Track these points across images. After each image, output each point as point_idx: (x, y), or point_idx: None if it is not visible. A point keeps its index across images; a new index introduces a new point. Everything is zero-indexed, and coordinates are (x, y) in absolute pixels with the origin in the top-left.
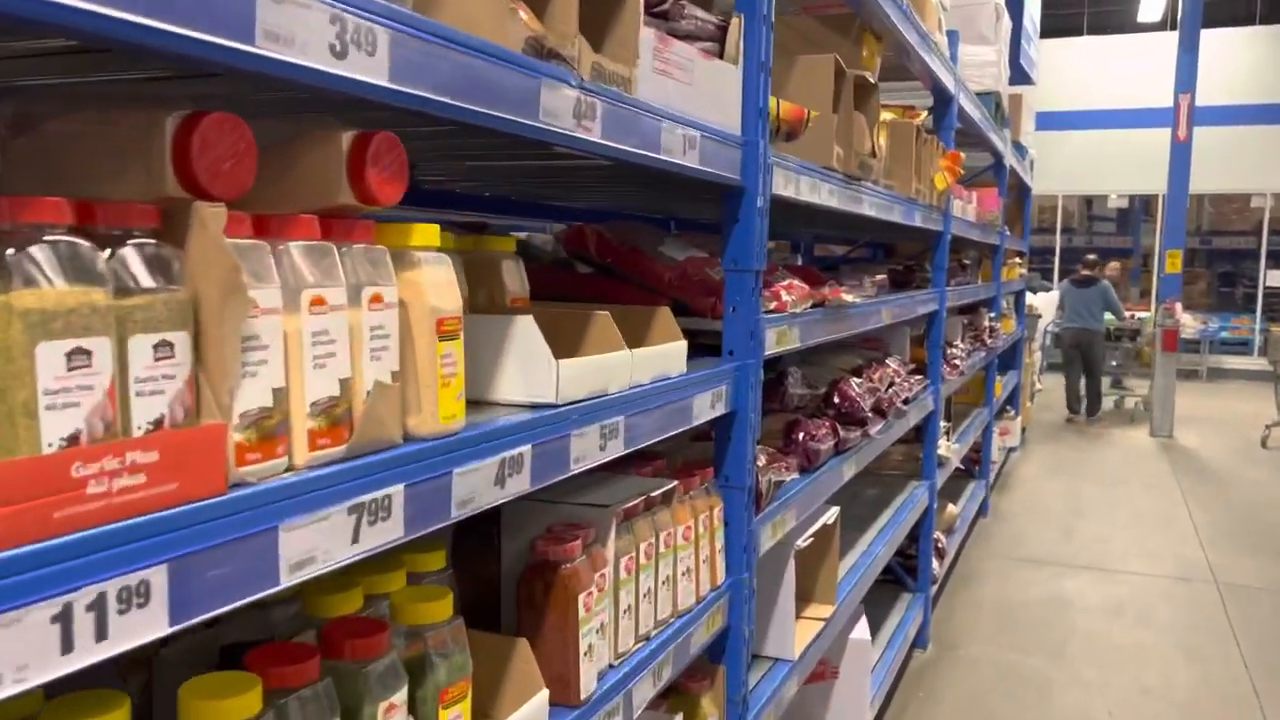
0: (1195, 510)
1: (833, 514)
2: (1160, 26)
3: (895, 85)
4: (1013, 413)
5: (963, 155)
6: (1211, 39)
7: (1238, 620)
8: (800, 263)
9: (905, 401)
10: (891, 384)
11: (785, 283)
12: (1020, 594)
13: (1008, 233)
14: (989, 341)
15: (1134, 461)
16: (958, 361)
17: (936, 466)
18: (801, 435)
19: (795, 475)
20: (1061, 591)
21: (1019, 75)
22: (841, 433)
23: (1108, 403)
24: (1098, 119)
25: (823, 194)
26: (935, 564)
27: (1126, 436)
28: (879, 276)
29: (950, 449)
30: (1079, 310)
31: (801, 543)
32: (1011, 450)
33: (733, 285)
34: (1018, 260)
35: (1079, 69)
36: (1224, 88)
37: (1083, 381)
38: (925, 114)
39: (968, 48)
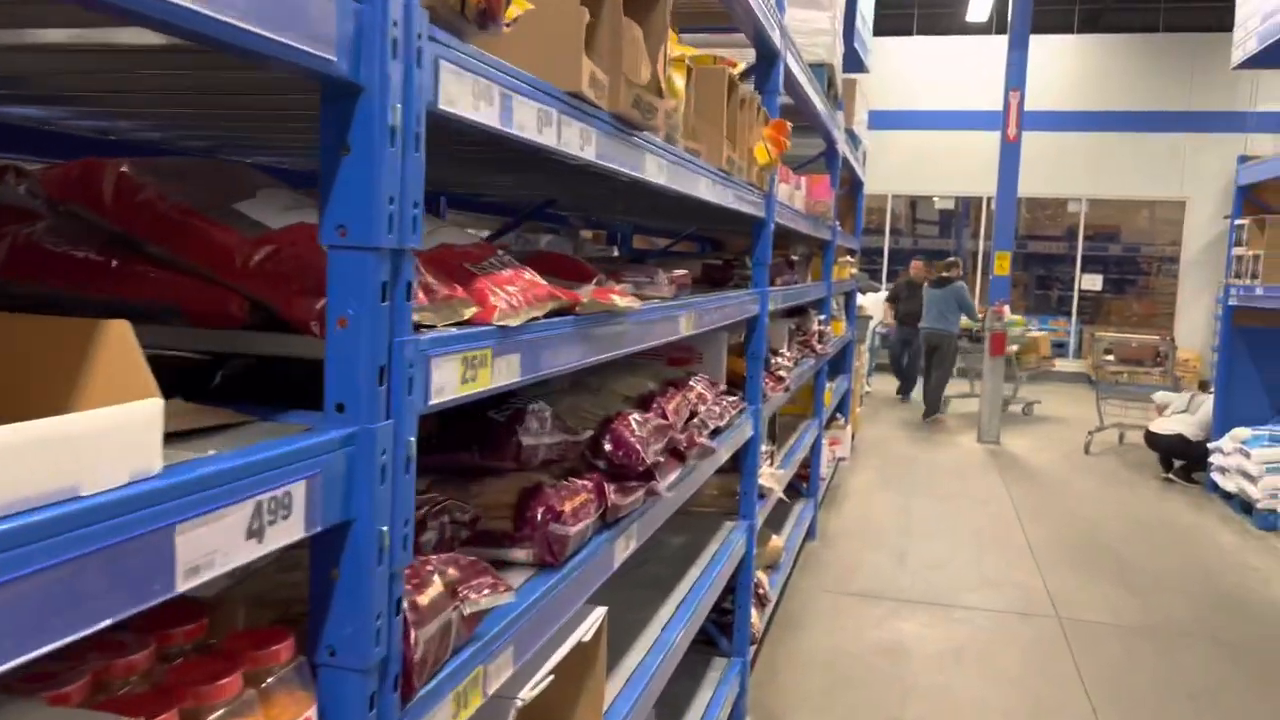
0: (1029, 525)
1: (594, 620)
2: (987, 29)
3: (712, 38)
4: (843, 421)
5: (789, 126)
6: (1031, 46)
7: (1085, 665)
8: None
9: (715, 433)
10: (694, 413)
11: (504, 273)
12: (853, 641)
13: (839, 228)
14: (819, 347)
15: (964, 471)
16: (784, 374)
17: (758, 500)
18: (541, 513)
19: (525, 580)
20: (898, 636)
21: (853, 60)
22: (613, 497)
23: (1016, 409)
24: (927, 119)
25: (564, 134)
26: (755, 617)
27: (955, 443)
28: (679, 273)
29: (774, 477)
30: (932, 310)
31: (527, 694)
32: (841, 460)
33: (342, 274)
34: (849, 259)
35: (909, 69)
36: (1044, 94)
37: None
38: (743, 65)
39: (798, 11)
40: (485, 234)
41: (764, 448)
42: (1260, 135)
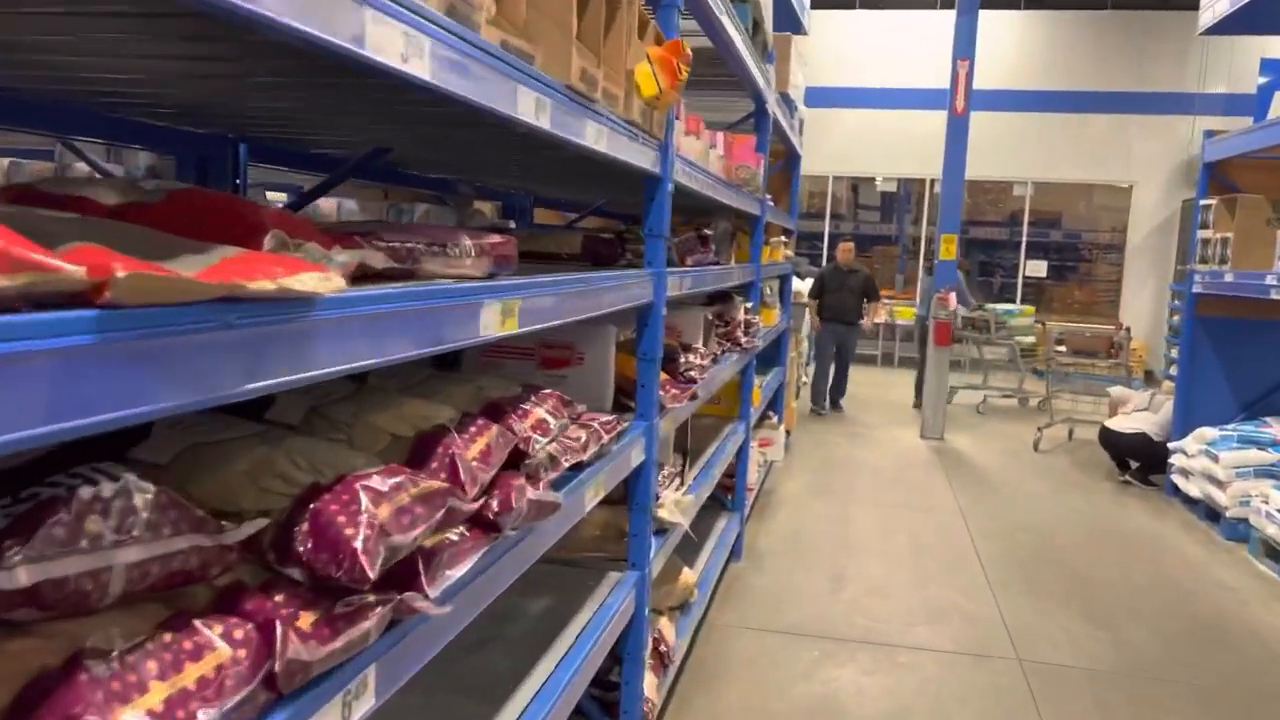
0: (979, 540)
1: None
2: (931, 3)
3: None
4: (775, 419)
5: (688, 49)
6: (979, 21)
7: None
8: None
9: (578, 466)
10: (524, 452)
11: None
12: (778, 697)
13: (770, 202)
14: (745, 340)
15: (907, 472)
16: (695, 374)
17: (653, 541)
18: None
19: None
20: (833, 689)
21: (787, 16)
22: (295, 645)
23: (1012, 402)
24: (871, 97)
25: None
26: (651, 687)
27: (896, 439)
28: (494, 239)
29: (679, 506)
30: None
31: None
32: (773, 463)
33: None
34: (783, 239)
35: (852, 44)
36: (990, 72)
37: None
38: None
39: None
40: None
41: (667, 469)
42: (1207, 117)
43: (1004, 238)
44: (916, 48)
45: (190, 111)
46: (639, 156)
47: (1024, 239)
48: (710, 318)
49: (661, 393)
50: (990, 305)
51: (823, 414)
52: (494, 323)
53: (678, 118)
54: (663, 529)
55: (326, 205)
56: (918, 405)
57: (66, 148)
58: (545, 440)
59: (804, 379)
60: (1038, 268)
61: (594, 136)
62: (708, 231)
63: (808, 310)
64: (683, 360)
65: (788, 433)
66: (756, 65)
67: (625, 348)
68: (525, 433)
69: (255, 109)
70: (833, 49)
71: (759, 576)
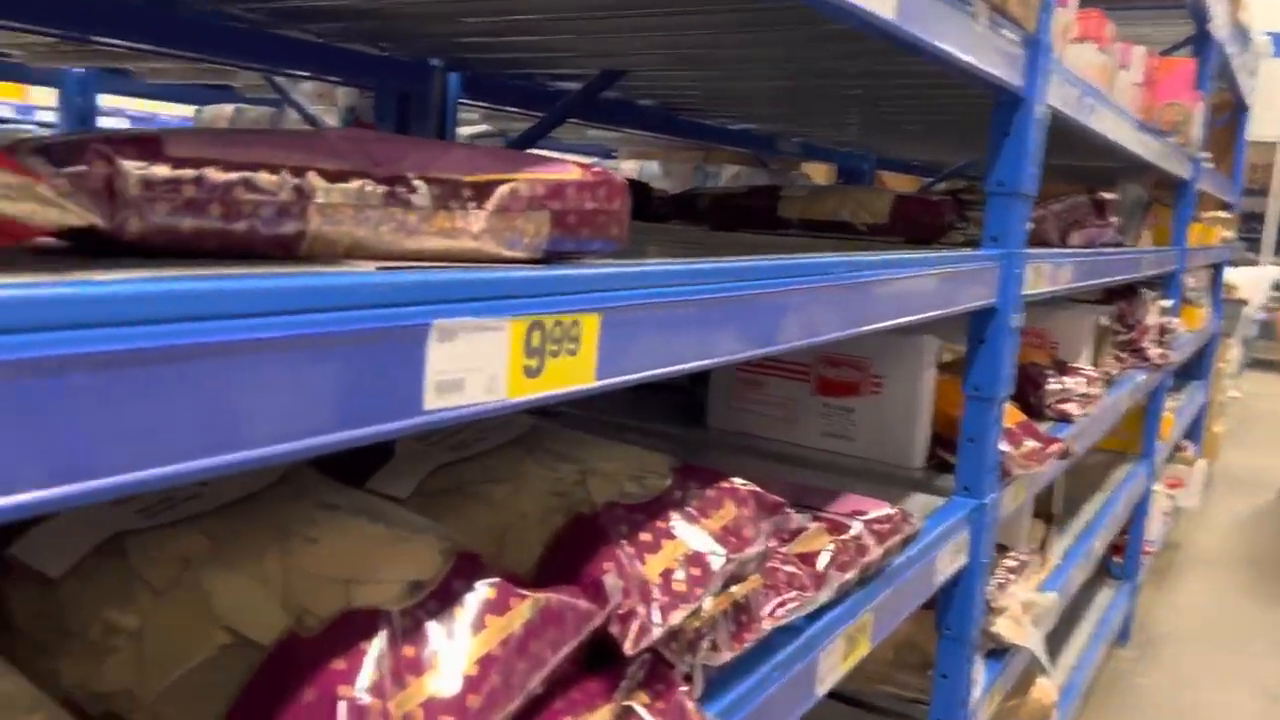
0: None
1: None
2: None
3: None
4: (1192, 451)
5: None
6: None
7: None
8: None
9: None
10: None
11: None
12: None
13: (1206, 161)
14: (1156, 354)
15: None
16: (1074, 406)
17: (981, 675)
18: None
19: None
20: None
21: None
22: None
23: None
24: None
25: None
26: None
27: None
28: (543, 177)
29: (1033, 615)
30: None
31: None
32: (1183, 507)
33: None
34: (1222, 215)
35: None
36: None
37: None
38: None
39: None
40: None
41: (1014, 556)
42: None
43: None
44: None
45: (394, 33)
46: (979, 52)
47: None
48: (1105, 322)
49: (1008, 448)
50: None
51: None
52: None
53: (1061, 3)
54: (1001, 648)
55: (628, 167)
56: None
57: (272, 85)
58: (689, 607)
59: (1233, 393)
60: None
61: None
62: (1107, 196)
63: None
64: (1051, 387)
65: (1206, 469)
66: None
67: (954, 368)
68: (648, 589)
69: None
70: None
71: (1152, 674)
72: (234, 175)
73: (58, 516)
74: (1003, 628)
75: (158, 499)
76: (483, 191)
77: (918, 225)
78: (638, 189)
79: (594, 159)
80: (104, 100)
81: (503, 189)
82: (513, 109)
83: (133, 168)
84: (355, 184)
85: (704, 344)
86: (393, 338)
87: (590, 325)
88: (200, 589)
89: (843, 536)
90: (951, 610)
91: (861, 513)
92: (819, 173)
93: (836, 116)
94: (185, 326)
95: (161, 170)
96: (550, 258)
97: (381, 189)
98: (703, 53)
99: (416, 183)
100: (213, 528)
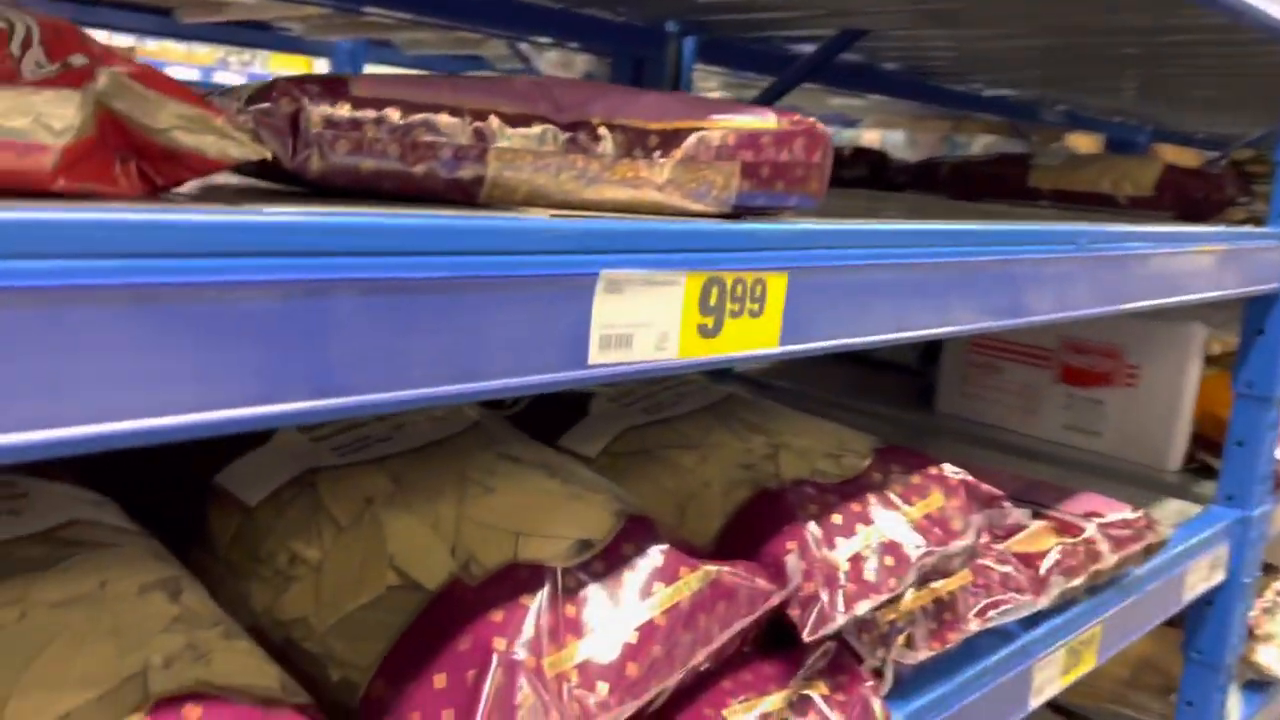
0: None
1: None
2: None
3: None
4: None
5: None
6: None
7: None
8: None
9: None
10: (894, 584)
11: None
12: None
13: None
14: None
15: None
16: None
17: (1239, 710)
18: None
19: None
20: None
21: None
22: None
23: None
24: None
25: None
26: None
27: None
28: (748, 120)
29: None
30: None
31: None
32: None
33: None
34: None
35: None
36: None
37: None
38: None
39: None
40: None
41: None
42: None
43: None
44: None
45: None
46: None
47: None
48: None
49: None
50: None
51: None
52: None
53: None
54: (1263, 680)
55: (870, 138)
56: None
57: (516, 53)
58: (878, 599)
59: None
60: None
61: None
62: None
63: None
64: None
65: None
66: None
67: (1223, 361)
68: (834, 574)
69: None
70: None
71: None
72: (415, 117)
73: (260, 448)
74: (1268, 658)
75: (353, 438)
76: (670, 140)
77: (1190, 199)
78: (874, 156)
79: (834, 129)
80: (369, 71)
81: (691, 138)
82: (749, 73)
83: (316, 106)
84: (537, 129)
85: (902, 314)
86: (557, 286)
87: (776, 286)
88: (378, 529)
89: (1073, 539)
90: (1203, 632)
91: (1098, 514)
92: (1086, 146)
93: (1108, 80)
94: (346, 261)
95: (344, 109)
96: (740, 213)
97: (564, 135)
98: (953, 6)
99: (600, 129)
100: (398, 470)
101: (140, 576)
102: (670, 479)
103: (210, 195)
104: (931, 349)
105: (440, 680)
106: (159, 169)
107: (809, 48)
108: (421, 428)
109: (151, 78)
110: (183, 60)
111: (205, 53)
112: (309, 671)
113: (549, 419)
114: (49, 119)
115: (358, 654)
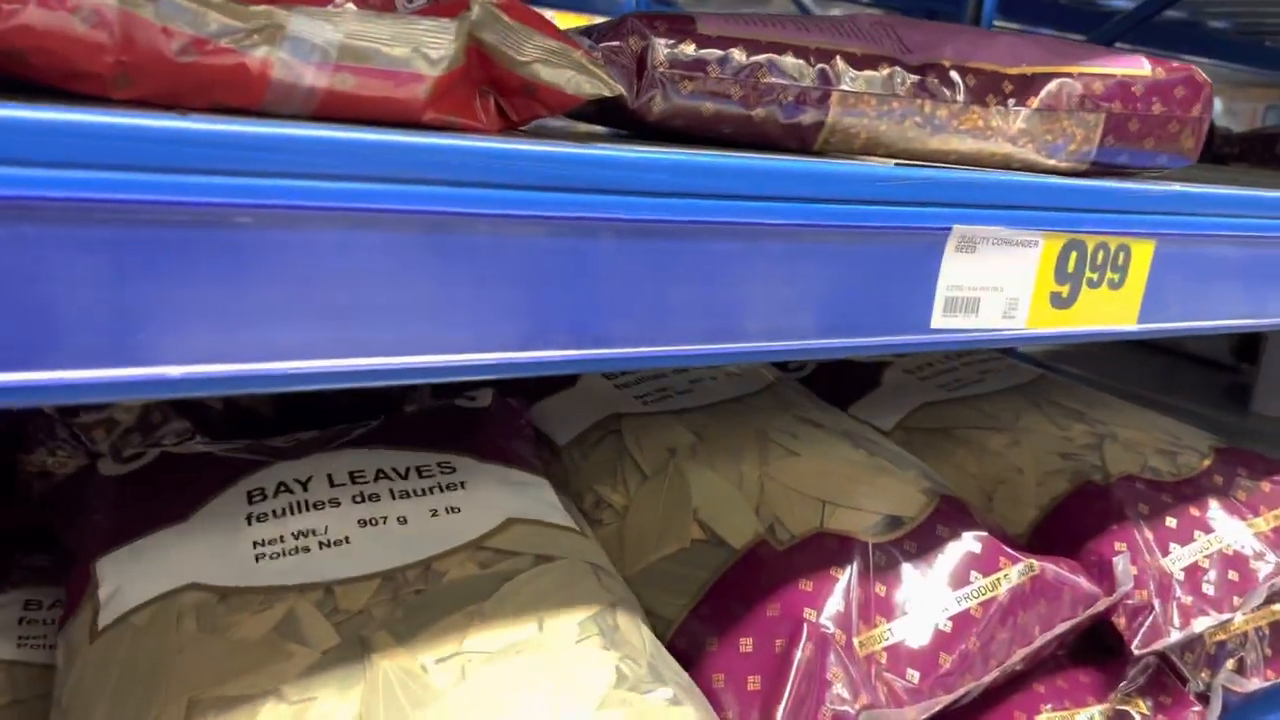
0: None
1: None
2: None
3: None
4: None
5: None
6: None
7: None
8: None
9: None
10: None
11: None
12: None
13: None
14: None
15: None
16: None
17: None
18: None
19: None
20: None
21: None
22: None
23: None
24: None
25: None
26: None
27: None
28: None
29: None
30: None
31: None
32: None
33: None
34: None
35: None
36: None
37: None
38: None
39: None
40: None
41: None
42: None
43: None
44: None
45: None
46: None
47: None
48: None
49: None
50: None
51: None
52: None
53: None
54: None
55: None
56: None
57: (797, 5)
58: (1219, 617)
59: None
60: None
61: None
62: None
63: None
64: None
65: None
66: None
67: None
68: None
69: None
70: None
71: None
72: (760, 57)
73: (567, 389)
74: None
75: (654, 388)
76: (1027, 86)
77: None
78: None
79: None
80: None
81: (1051, 84)
82: (1051, 30)
83: (663, 43)
84: (885, 71)
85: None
86: (902, 240)
87: (1141, 254)
88: (683, 481)
89: None
90: None
91: None
92: None
93: None
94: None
95: (689, 48)
96: (1095, 171)
97: (912, 78)
98: None
99: (952, 73)
100: (699, 423)
101: (578, 610)
102: (974, 462)
103: (548, 134)
104: (1249, 342)
105: (746, 644)
106: (514, 104)
107: (1124, 3)
108: (720, 383)
109: (517, 10)
110: None
111: None
112: None
113: (839, 385)
114: (427, 48)
115: (661, 605)
